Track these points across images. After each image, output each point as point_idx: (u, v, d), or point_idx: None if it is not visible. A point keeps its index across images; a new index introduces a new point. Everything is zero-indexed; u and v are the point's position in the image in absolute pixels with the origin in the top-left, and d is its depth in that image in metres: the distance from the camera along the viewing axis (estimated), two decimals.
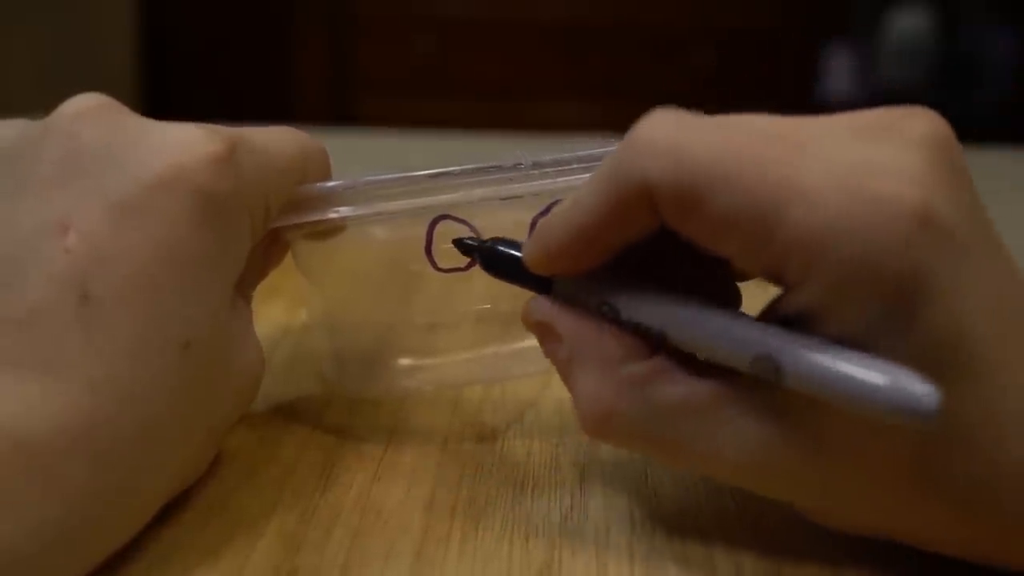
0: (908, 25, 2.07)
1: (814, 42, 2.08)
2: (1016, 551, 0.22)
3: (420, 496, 0.27)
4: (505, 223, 0.28)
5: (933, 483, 0.21)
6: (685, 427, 0.23)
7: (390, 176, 0.27)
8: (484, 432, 0.31)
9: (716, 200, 0.21)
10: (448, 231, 0.28)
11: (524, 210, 0.28)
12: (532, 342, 0.26)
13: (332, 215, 0.27)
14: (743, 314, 0.23)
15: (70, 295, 0.22)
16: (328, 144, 0.29)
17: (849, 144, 0.21)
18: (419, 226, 0.28)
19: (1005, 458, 0.21)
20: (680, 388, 0.23)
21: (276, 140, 0.27)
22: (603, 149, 0.27)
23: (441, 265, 0.28)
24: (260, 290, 0.29)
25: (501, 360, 0.31)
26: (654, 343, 0.24)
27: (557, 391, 0.32)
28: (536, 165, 0.27)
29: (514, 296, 0.26)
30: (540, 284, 0.26)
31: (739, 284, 0.26)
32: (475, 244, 0.27)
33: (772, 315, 0.23)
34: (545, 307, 0.25)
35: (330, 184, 0.28)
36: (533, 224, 0.28)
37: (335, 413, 0.32)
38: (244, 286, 0.27)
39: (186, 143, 0.24)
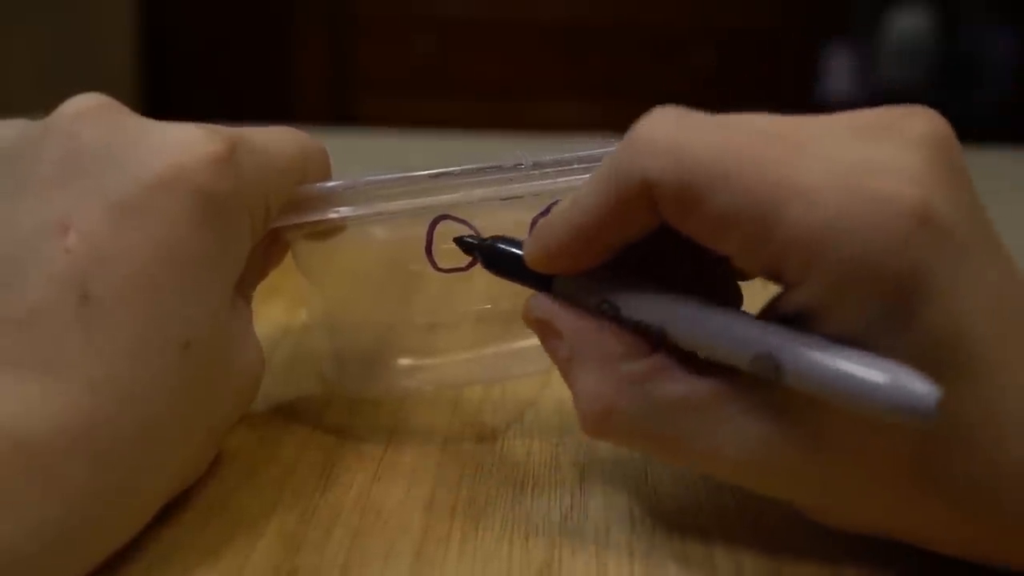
0: (908, 25, 2.07)
1: (814, 42, 2.08)
2: (1016, 551, 0.22)
3: (420, 496, 0.27)
4: (505, 223, 0.28)
5: (932, 482, 0.21)
6: (685, 425, 0.23)
7: (390, 176, 0.27)
8: (484, 432, 0.31)
9: (715, 199, 0.21)
10: (448, 231, 0.28)
11: (524, 210, 0.28)
12: (532, 342, 0.26)
13: (332, 215, 0.27)
14: (743, 312, 0.23)
15: (70, 295, 0.22)
16: (328, 144, 0.29)
17: (849, 143, 0.21)
18: (419, 226, 0.28)
19: (1004, 458, 0.21)
20: (680, 386, 0.23)
21: (276, 140, 0.27)
22: (603, 149, 0.27)
23: (441, 265, 0.28)
24: (260, 290, 0.29)
25: (501, 360, 0.31)
26: (654, 341, 0.24)
27: (557, 391, 0.32)
28: (536, 165, 0.27)
29: (514, 296, 0.26)
30: (541, 282, 0.26)
31: (740, 283, 0.26)
32: (476, 242, 0.27)
33: (772, 314, 0.23)
34: (545, 304, 0.25)
35: (330, 184, 0.28)
36: (533, 224, 0.28)
37: (335, 413, 0.32)
38: (244, 286, 0.27)
39: (186, 143, 0.24)
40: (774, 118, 0.23)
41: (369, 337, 0.32)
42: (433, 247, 0.28)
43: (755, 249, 0.21)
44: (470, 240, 0.27)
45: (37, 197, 0.23)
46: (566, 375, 0.25)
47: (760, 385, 0.22)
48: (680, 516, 0.26)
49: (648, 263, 0.24)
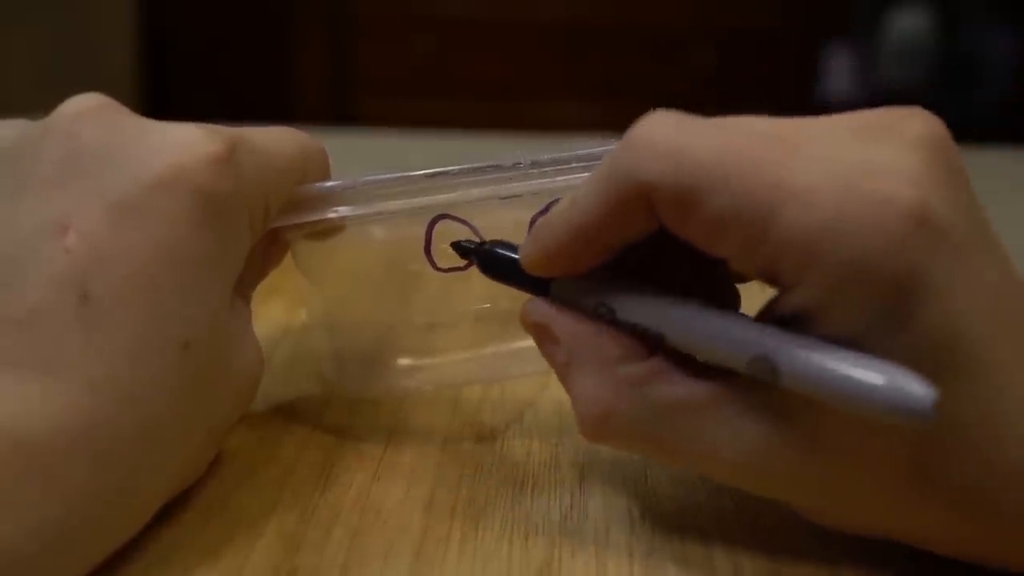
0: (908, 25, 2.07)
1: (814, 42, 2.08)
2: (1013, 551, 0.22)
3: (420, 496, 0.27)
4: (504, 222, 0.28)
5: (930, 483, 0.21)
6: (683, 427, 0.23)
7: (389, 176, 0.27)
8: (484, 432, 0.31)
9: (714, 201, 0.21)
10: (448, 231, 0.28)
11: (523, 209, 0.28)
12: (531, 342, 0.26)
13: (331, 215, 0.27)
14: (740, 315, 0.23)
15: (70, 295, 0.22)
16: (328, 144, 0.29)
17: (847, 144, 0.22)
18: (418, 226, 0.28)
19: (1002, 458, 0.21)
20: (678, 388, 0.23)
21: (276, 140, 0.27)
22: (602, 149, 0.27)
23: (440, 265, 0.28)
24: (260, 290, 0.29)
25: (500, 360, 0.32)
26: (652, 344, 0.24)
27: (556, 391, 0.32)
28: (535, 164, 0.27)
29: (513, 296, 0.26)
30: (538, 286, 0.26)
31: (739, 286, 0.26)
32: (473, 247, 0.27)
33: (769, 316, 0.23)
34: (543, 309, 0.25)
35: (330, 184, 0.28)
36: (532, 223, 0.28)
37: (335, 413, 0.32)
38: (243, 286, 0.27)
39: (186, 143, 0.24)
40: (773, 120, 0.23)
41: (369, 337, 0.32)
42: (432, 247, 0.28)
43: (751, 251, 0.21)
44: (467, 244, 0.27)
45: (37, 197, 0.23)
46: (564, 379, 0.25)
47: (757, 387, 0.22)
48: (679, 517, 0.26)
49: (646, 266, 0.24)
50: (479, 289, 0.30)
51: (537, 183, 0.27)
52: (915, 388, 0.19)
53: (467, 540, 0.25)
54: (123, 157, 0.24)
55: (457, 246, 0.28)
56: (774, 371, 0.21)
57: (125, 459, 0.22)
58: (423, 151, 0.83)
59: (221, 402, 0.26)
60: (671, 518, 0.26)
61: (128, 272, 0.23)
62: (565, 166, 0.27)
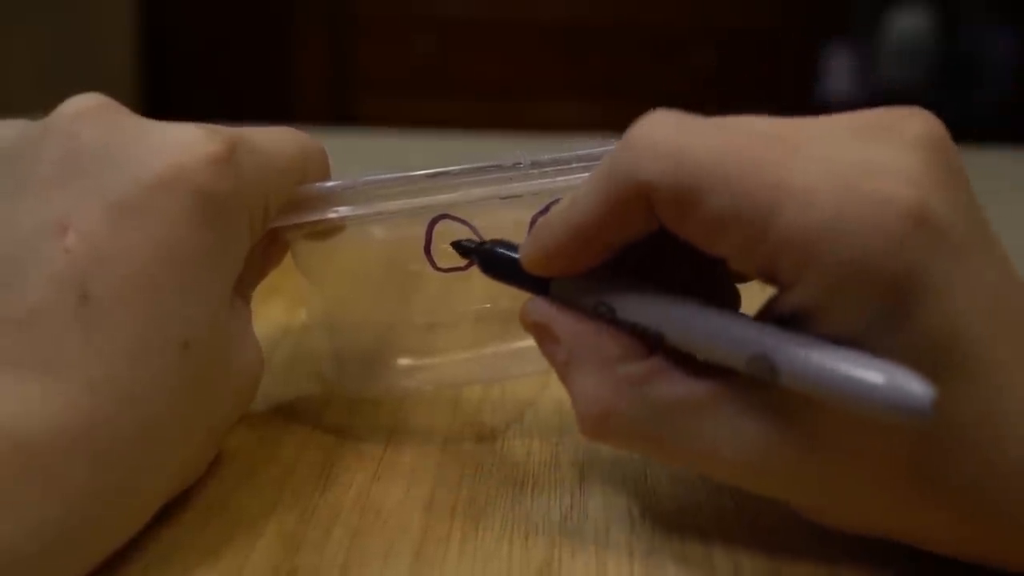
0: (908, 25, 2.07)
1: (814, 42, 2.08)
2: (1013, 551, 0.22)
3: (420, 496, 0.27)
4: (504, 222, 0.28)
5: (929, 483, 0.21)
6: (683, 426, 0.23)
7: (389, 176, 0.27)
8: (484, 432, 0.31)
9: (713, 201, 0.21)
10: (448, 231, 0.28)
11: (524, 209, 0.28)
12: (531, 342, 0.26)
13: (331, 215, 0.27)
14: (739, 314, 0.23)
15: (70, 295, 0.22)
16: (328, 144, 0.29)
17: (847, 144, 0.22)
18: (418, 226, 0.28)
19: (1002, 458, 0.21)
20: (678, 387, 0.23)
21: (276, 140, 0.27)
22: (602, 149, 0.27)
23: (440, 265, 0.28)
24: (260, 290, 0.29)
25: (500, 360, 0.32)
26: (652, 343, 0.24)
27: (556, 391, 0.32)
28: (535, 164, 0.27)
29: (514, 295, 0.26)
30: (538, 285, 0.26)
31: (739, 286, 0.26)
32: (473, 246, 0.27)
33: (768, 315, 0.23)
34: (543, 308, 0.25)
35: (330, 184, 0.28)
36: (533, 222, 0.28)
37: (335, 413, 0.32)
38: (243, 286, 0.27)
39: (186, 143, 0.24)
40: (773, 120, 0.23)
41: (369, 337, 0.32)
42: (432, 246, 0.28)
43: (749, 250, 0.21)
44: (467, 244, 0.27)
45: (37, 197, 0.24)
46: (564, 378, 0.25)
47: (757, 386, 0.22)
48: (679, 516, 0.26)
49: (645, 265, 0.24)
50: (479, 289, 0.30)
51: (537, 183, 0.27)
52: (914, 387, 0.19)
53: (467, 540, 0.25)
54: (123, 157, 0.24)
55: (457, 246, 0.28)
56: (773, 370, 0.21)
57: (125, 459, 0.22)
58: (423, 151, 0.83)
59: (221, 402, 0.26)
60: (671, 517, 0.26)
61: (128, 272, 0.23)
62: (565, 166, 0.27)
